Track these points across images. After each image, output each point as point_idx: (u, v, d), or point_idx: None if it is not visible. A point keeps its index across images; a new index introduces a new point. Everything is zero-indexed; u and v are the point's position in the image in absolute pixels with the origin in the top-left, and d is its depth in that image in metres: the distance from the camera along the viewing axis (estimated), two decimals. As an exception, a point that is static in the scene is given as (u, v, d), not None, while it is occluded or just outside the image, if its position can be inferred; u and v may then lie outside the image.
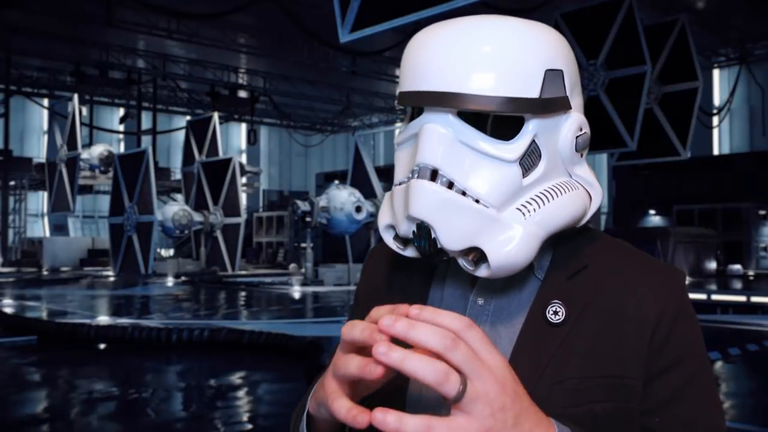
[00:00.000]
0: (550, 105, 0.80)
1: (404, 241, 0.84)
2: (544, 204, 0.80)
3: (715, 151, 29.62)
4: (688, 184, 25.42)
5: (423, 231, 0.79)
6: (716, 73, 28.94)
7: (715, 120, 26.58)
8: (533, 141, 0.81)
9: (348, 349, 0.69)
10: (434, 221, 0.77)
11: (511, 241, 0.77)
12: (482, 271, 0.79)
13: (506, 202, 0.79)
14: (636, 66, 14.93)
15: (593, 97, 15.14)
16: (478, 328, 0.63)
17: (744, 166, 24.90)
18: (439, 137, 0.78)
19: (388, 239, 0.86)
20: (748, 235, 23.66)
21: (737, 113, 28.97)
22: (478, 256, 0.79)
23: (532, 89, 0.78)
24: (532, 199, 0.80)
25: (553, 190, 0.82)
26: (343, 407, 0.65)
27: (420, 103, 0.79)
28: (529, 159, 0.81)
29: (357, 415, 0.64)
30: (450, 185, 0.77)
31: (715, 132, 29.16)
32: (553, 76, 0.81)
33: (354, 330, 0.67)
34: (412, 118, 0.86)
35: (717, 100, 28.50)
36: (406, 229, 0.81)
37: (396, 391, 0.85)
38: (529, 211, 0.79)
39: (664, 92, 16.76)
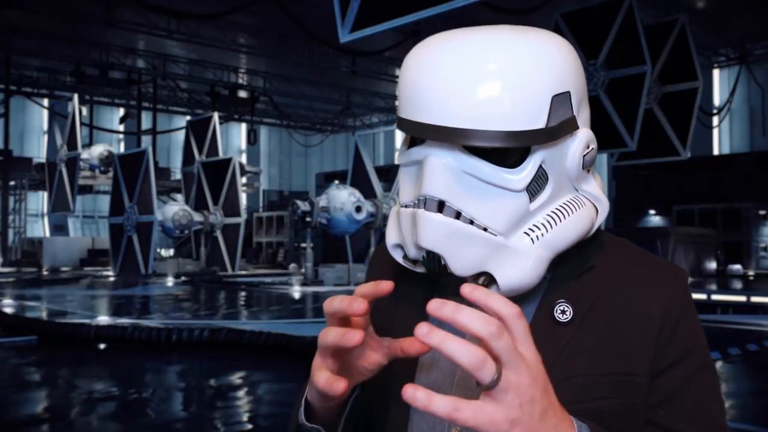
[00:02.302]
0: (558, 131, 0.79)
1: (413, 260, 0.85)
2: (551, 227, 0.80)
3: (715, 151, 29.62)
4: (688, 184, 25.42)
5: (433, 258, 0.80)
6: (716, 73, 28.94)
7: (715, 120, 26.56)
8: (540, 167, 0.80)
9: (331, 323, 0.75)
10: (444, 251, 0.78)
11: (519, 266, 0.78)
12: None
13: (513, 227, 0.79)
14: (636, 66, 14.93)
15: (593, 97, 15.13)
16: (524, 318, 0.63)
17: (744, 166, 24.90)
18: (443, 169, 0.77)
19: (398, 257, 0.86)
20: (748, 235, 23.66)
21: (737, 113, 28.97)
22: (488, 279, 0.79)
23: (538, 120, 0.77)
24: (539, 222, 0.81)
25: (560, 211, 0.82)
26: (322, 377, 0.73)
27: (422, 135, 0.78)
28: (536, 184, 0.80)
29: (333, 383, 0.72)
30: (457, 215, 0.78)
31: (715, 132, 29.16)
32: (560, 100, 0.79)
33: (333, 302, 0.73)
34: (414, 140, 0.85)
35: (717, 100, 28.50)
36: (416, 254, 0.82)
37: (404, 378, 0.86)
38: (536, 235, 0.80)
39: (664, 92, 16.75)
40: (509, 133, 0.75)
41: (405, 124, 0.81)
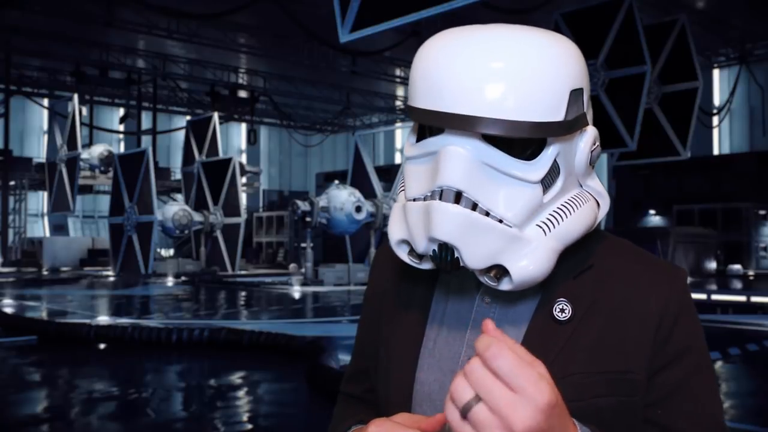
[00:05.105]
0: (574, 125, 0.80)
1: (419, 255, 0.83)
2: (562, 219, 0.81)
3: (715, 151, 29.61)
4: (688, 184, 25.42)
5: (446, 250, 0.79)
6: (716, 73, 28.93)
7: (715, 120, 26.57)
8: (554, 160, 0.81)
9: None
10: (459, 243, 0.77)
11: (533, 258, 0.78)
12: (504, 286, 0.80)
13: (527, 219, 0.79)
14: (636, 66, 14.93)
15: (593, 97, 15.07)
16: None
17: (744, 166, 24.90)
18: (462, 159, 0.77)
19: (402, 254, 0.85)
20: (748, 235, 23.66)
21: (737, 113, 28.96)
22: (500, 272, 0.79)
23: (558, 112, 0.78)
24: (551, 215, 0.81)
25: (569, 204, 0.83)
26: None
27: (442, 124, 0.77)
28: (550, 177, 0.81)
29: None
30: (474, 206, 0.77)
31: (715, 132, 29.15)
32: (575, 95, 0.80)
33: None
34: (423, 132, 0.85)
35: (717, 100, 28.49)
36: (426, 247, 0.80)
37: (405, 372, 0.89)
38: (548, 227, 0.80)
39: (664, 92, 16.75)
40: (533, 124, 0.76)
41: (422, 114, 0.79)
